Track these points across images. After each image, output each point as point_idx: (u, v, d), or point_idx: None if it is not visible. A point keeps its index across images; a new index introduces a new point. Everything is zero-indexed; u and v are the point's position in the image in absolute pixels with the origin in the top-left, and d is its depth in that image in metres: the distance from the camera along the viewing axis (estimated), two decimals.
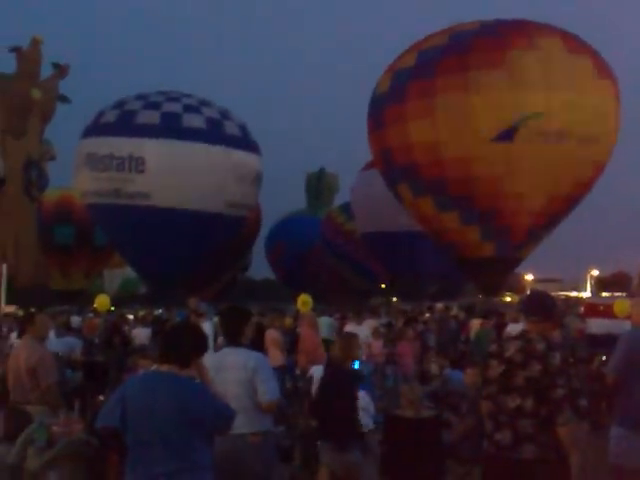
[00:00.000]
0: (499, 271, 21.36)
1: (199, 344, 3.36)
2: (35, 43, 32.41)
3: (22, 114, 32.09)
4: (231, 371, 4.11)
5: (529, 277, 51.35)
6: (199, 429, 3.13)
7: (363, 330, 12.06)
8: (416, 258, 25.69)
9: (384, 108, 20.93)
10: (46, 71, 33.47)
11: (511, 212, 19.77)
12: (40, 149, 33.85)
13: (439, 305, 21.98)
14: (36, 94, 31.78)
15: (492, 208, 19.68)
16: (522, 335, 3.78)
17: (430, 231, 22.02)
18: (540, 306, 3.82)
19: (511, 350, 3.67)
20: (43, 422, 4.64)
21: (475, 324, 13.68)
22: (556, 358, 3.59)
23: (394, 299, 21.72)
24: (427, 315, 18.84)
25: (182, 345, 3.28)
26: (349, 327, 12.20)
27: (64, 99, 34.64)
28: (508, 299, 33.42)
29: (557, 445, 3.50)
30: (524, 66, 19.05)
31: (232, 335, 4.28)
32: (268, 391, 4.11)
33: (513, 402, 3.57)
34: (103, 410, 3.30)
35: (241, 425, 3.82)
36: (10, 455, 4.60)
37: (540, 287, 43.99)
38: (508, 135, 19.04)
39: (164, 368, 3.23)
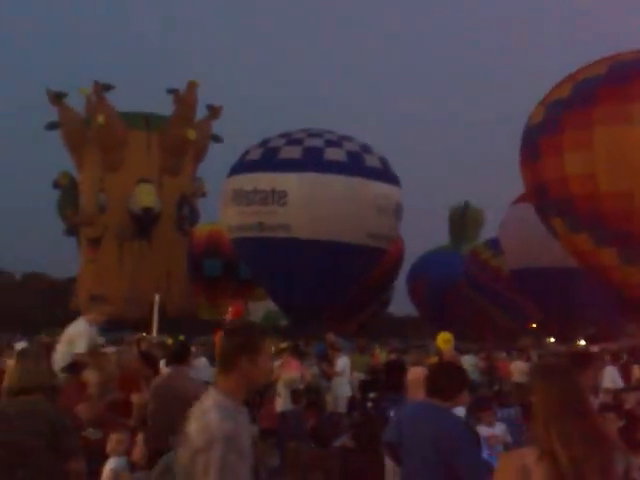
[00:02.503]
0: None
1: (460, 380, 4.07)
2: (191, 86, 34.31)
3: (178, 153, 33.98)
4: None
5: None
6: (449, 455, 3.67)
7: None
8: (571, 296, 24.28)
9: (538, 139, 20.20)
10: (201, 112, 35.36)
11: None
12: (193, 186, 35.65)
13: (595, 347, 20.62)
14: (192, 135, 33.51)
15: None
16: None
17: (587, 268, 20.83)
18: None
19: (631, 402, 3.27)
20: None
21: (637, 370, 12.66)
22: None
23: (548, 339, 20.53)
24: None
25: (444, 381, 3.99)
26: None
27: (217, 139, 36.40)
28: None
29: None
30: None
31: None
32: None
33: (639, 459, 3.22)
34: (388, 429, 4.24)
35: None
36: None
37: None
38: None
39: (430, 400, 3.97)
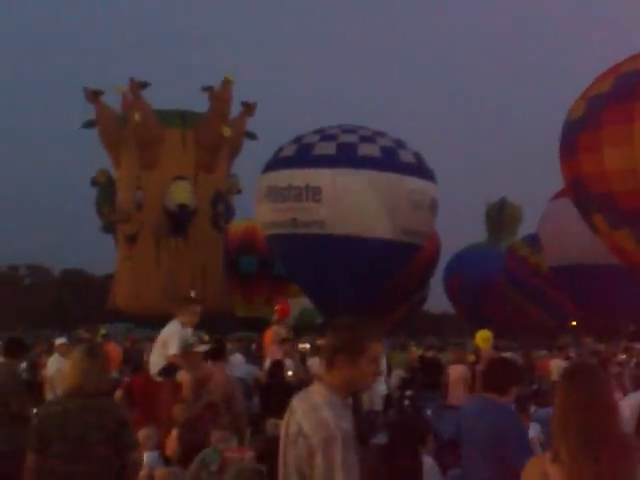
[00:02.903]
0: None
1: (515, 376, 4.20)
2: (226, 83, 34.31)
3: (213, 150, 34.04)
4: None
5: None
6: (507, 451, 3.77)
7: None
8: (612, 294, 23.84)
9: (578, 134, 20.00)
10: (235, 109, 35.46)
11: None
12: (227, 183, 35.73)
13: (637, 346, 20.15)
14: (227, 132, 33.51)
15: None
16: None
17: (628, 265, 20.49)
18: None
19: None
20: (218, 447, 4.65)
21: None
22: None
23: (587, 338, 20.23)
24: (623, 357, 17.26)
25: (501, 376, 4.07)
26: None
27: (251, 136, 36.43)
28: None
29: None
30: None
31: None
32: None
33: None
34: (447, 427, 4.68)
35: None
36: (185, 476, 4.63)
37: None
38: None
39: (487, 395, 4.08)
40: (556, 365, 14.13)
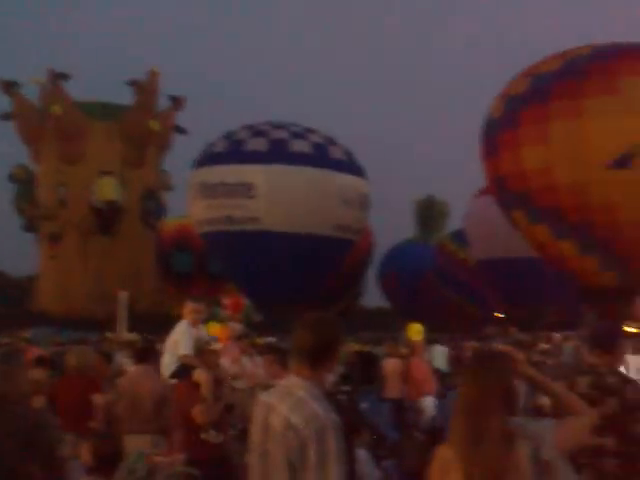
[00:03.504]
0: (621, 301, 20.42)
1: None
2: (153, 76, 33.81)
3: (141, 145, 33.46)
4: None
5: None
6: None
7: None
8: (533, 285, 24.79)
9: (497, 134, 20.62)
10: (163, 103, 34.93)
11: (630, 241, 18.99)
12: (157, 179, 35.20)
13: (557, 335, 21.16)
14: (154, 125, 33.04)
15: (610, 237, 18.98)
16: (591, 370, 3.62)
17: (547, 259, 21.36)
18: (604, 338, 3.68)
19: (582, 387, 3.46)
20: (142, 452, 4.42)
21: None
22: (632, 392, 3.42)
23: (512, 328, 21.00)
24: (545, 346, 18.11)
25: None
26: None
27: (181, 130, 36.00)
28: (631, 330, 31.45)
29: None
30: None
31: None
32: None
33: (592, 442, 3.26)
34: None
35: None
36: None
37: None
38: (625, 162, 18.40)
39: None
40: None
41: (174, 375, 6.17)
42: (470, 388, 2.42)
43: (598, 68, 18.98)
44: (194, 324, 6.44)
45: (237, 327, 11.55)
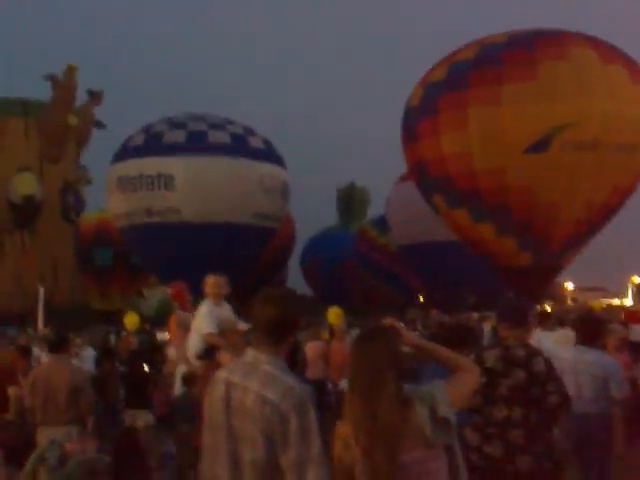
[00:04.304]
0: (537, 280, 21.08)
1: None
2: (70, 70, 33.08)
3: (58, 140, 32.74)
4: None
5: (570, 286, 50.33)
6: None
7: None
8: (454, 268, 25.40)
9: (417, 121, 20.98)
10: (81, 98, 34.19)
11: (547, 222, 19.56)
12: (76, 174, 34.52)
13: (475, 315, 21.72)
14: (72, 120, 32.40)
15: (527, 219, 19.51)
16: (499, 343, 3.67)
17: (466, 241, 21.87)
18: (512, 312, 3.73)
19: (490, 360, 3.55)
20: (55, 440, 4.45)
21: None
22: (540, 364, 3.49)
23: (432, 311, 21.52)
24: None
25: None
26: None
27: (100, 125, 35.35)
28: (548, 308, 32.75)
29: (552, 454, 3.40)
30: (556, 77, 18.87)
31: None
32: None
33: (500, 413, 3.44)
34: None
35: None
36: (20, 475, 4.40)
37: (582, 296, 43.27)
38: (542, 146, 18.89)
39: None
40: None
41: (200, 356, 5.96)
42: (360, 363, 2.49)
43: (514, 55, 19.34)
44: (216, 299, 6.16)
45: (183, 315, 11.51)
